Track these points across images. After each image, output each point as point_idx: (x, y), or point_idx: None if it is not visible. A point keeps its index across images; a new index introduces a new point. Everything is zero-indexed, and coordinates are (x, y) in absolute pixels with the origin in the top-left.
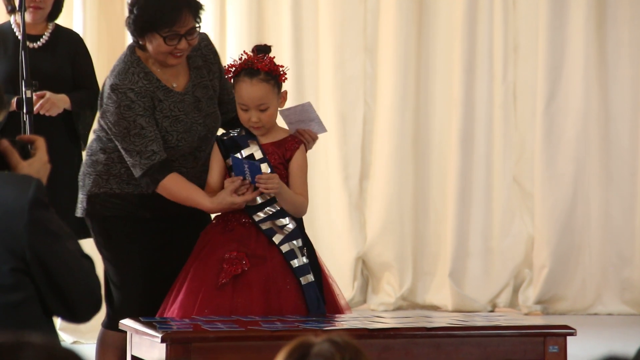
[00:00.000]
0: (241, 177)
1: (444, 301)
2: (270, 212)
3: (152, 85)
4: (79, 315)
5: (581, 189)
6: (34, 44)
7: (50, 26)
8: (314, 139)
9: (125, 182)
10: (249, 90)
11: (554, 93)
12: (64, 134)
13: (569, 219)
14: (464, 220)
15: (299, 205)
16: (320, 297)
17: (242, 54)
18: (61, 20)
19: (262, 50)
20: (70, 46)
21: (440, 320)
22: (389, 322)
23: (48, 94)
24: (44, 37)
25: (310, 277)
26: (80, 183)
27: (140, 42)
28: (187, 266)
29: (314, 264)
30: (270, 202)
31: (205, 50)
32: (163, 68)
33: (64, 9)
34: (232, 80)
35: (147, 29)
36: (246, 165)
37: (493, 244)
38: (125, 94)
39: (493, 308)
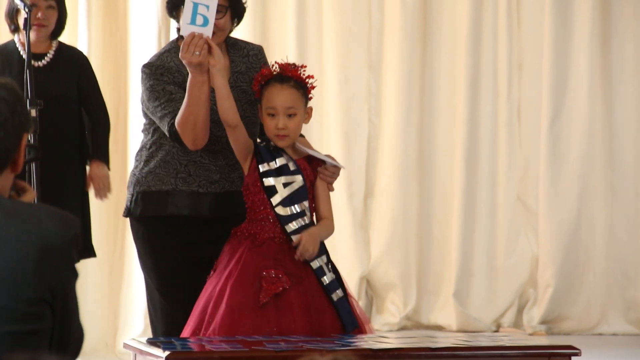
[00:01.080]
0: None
1: (448, 321)
2: (302, 224)
3: (185, 69)
4: (65, 356)
5: (585, 208)
6: (39, 63)
7: (54, 44)
8: (333, 172)
9: (159, 179)
10: (279, 94)
11: (559, 111)
12: (74, 147)
13: (574, 238)
14: (468, 239)
15: (331, 231)
16: (352, 313)
17: (274, 64)
18: (65, 39)
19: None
20: (74, 64)
21: (444, 340)
22: (393, 342)
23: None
24: (48, 55)
25: (340, 292)
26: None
27: (177, 28)
28: (215, 281)
29: (339, 279)
30: (302, 214)
31: (254, 59)
32: None
33: (69, 28)
34: (260, 90)
35: (175, 4)
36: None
37: (497, 263)
38: (155, 69)
39: (497, 328)
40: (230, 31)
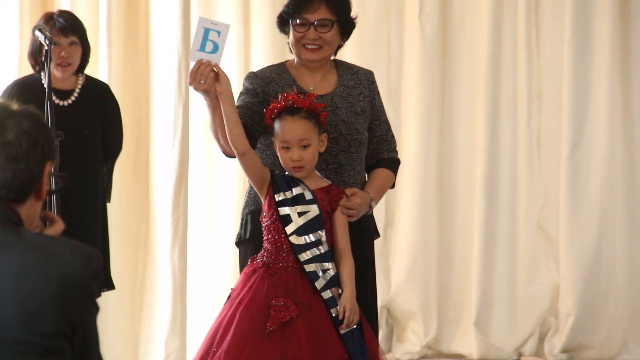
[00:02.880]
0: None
1: (469, 349)
2: (317, 253)
3: (281, 80)
4: None
5: (606, 236)
6: (65, 102)
7: (80, 80)
8: (353, 208)
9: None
10: (290, 127)
11: (579, 140)
12: (95, 182)
13: (595, 266)
14: (489, 268)
15: (353, 266)
16: (363, 345)
17: (282, 95)
18: (87, 71)
19: (302, 93)
20: (100, 102)
21: None
22: None
23: None
24: (74, 93)
25: (351, 325)
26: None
27: (288, 42)
28: (227, 307)
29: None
30: (317, 243)
31: (362, 77)
32: (307, 75)
33: (90, 60)
34: (272, 123)
35: (285, 20)
36: (210, 31)
37: (518, 291)
38: (249, 78)
39: (519, 357)
40: (340, 47)
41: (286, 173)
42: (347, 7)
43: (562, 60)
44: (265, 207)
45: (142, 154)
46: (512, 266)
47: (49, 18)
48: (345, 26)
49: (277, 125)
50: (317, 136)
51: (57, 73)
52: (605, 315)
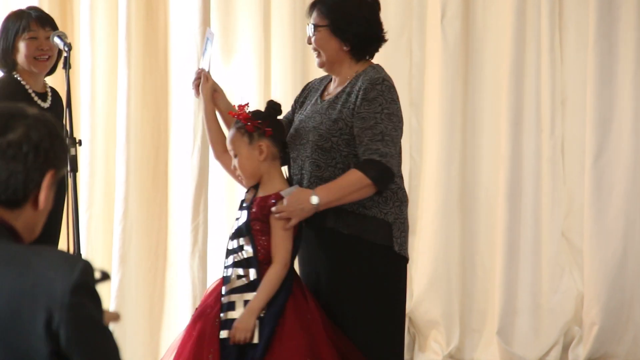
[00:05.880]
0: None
1: (492, 359)
2: (238, 259)
3: (320, 86)
4: None
5: (631, 244)
6: (45, 104)
7: (48, 83)
8: (282, 211)
9: None
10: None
11: (603, 147)
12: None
13: (619, 275)
14: (512, 277)
15: (275, 279)
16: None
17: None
18: (105, 78)
19: (270, 105)
20: (60, 104)
21: None
22: None
23: None
24: (49, 96)
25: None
26: None
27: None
28: None
29: (272, 319)
30: (239, 249)
31: (360, 83)
32: (333, 82)
33: (109, 67)
34: None
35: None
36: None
37: (542, 300)
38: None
39: None
40: (356, 51)
41: None
42: (340, 9)
43: (586, 66)
44: None
45: (162, 161)
46: (536, 275)
47: (21, 12)
48: (341, 29)
49: None
50: (246, 145)
51: (33, 69)
52: (630, 324)
